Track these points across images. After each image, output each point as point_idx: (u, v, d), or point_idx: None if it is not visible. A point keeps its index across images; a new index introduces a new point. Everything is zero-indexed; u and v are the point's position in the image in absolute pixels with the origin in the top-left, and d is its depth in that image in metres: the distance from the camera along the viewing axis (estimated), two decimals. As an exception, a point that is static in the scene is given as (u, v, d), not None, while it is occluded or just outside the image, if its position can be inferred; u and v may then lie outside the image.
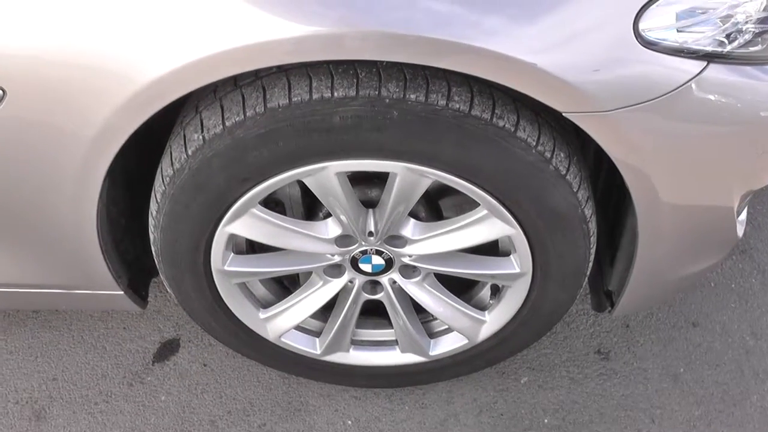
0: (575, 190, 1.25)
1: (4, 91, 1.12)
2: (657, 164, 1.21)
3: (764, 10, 1.14)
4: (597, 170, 1.42)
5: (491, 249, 1.41)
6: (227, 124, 1.16)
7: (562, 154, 1.23)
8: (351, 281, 1.44)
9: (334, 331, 1.51)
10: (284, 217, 1.33)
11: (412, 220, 1.34)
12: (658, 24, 1.10)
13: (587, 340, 1.77)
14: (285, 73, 1.14)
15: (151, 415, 1.67)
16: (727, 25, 1.13)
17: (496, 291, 1.50)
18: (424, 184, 1.24)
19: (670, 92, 1.12)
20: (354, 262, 1.39)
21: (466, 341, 1.53)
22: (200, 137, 1.18)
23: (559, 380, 1.70)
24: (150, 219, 1.33)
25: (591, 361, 1.73)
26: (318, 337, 1.55)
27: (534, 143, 1.19)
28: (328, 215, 1.34)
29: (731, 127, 1.21)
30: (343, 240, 1.35)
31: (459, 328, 1.51)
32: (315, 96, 1.12)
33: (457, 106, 1.14)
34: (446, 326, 1.54)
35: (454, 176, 1.21)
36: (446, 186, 1.24)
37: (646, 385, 1.69)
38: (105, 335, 1.82)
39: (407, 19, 1.04)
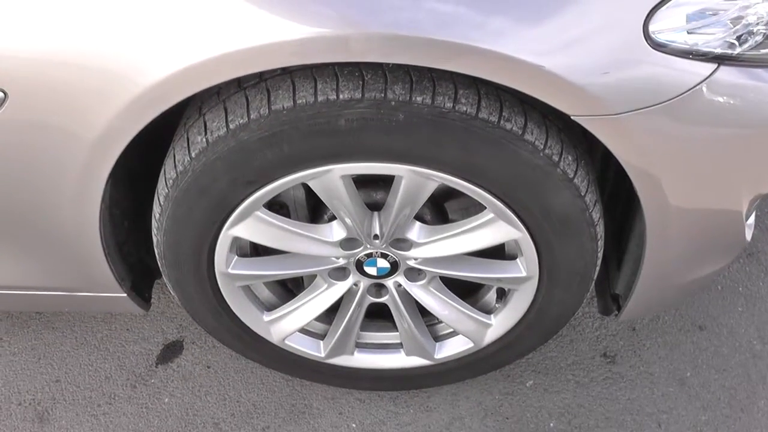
0: (583, 193, 1.24)
1: (5, 93, 1.11)
2: (666, 168, 1.19)
3: None
4: (604, 173, 1.41)
5: (497, 252, 1.40)
6: (231, 126, 1.14)
7: (569, 158, 1.21)
8: (356, 284, 1.43)
9: (338, 334, 1.50)
10: (288, 219, 1.32)
11: (418, 223, 1.33)
12: (668, 26, 1.09)
13: (593, 344, 1.76)
14: (290, 75, 1.13)
15: (154, 417, 1.67)
16: (737, 27, 1.12)
17: (502, 294, 1.48)
18: (430, 187, 1.23)
19: (680, 95, 1.10)
20: (359, 265, 1.38)
21: (472, 345, 1.52)
22: (203, 140, 1.17)
23: (565, 384, 1.69)
24: (153, 221, 1.32)
25: (597, 364, 1.72)
26: (322, 339, 1.54)
27: (541, 146, 1.17)
28: (333, 218, 1.33)
29: (741, 130, 1.20)
30: (348, 243, 1.34)
31: (464, 332, 1.50)
32: (320, 98, 1.11)
33: (464, 108, 1.12)
34: (452, 329, 1.53)
35: (461, 179, 1.20)
36: (452, 188, 1.23)
37: (653, 389, 1.68)
38: (108, 337, 1.81)
39: (413, 20, 1.03)
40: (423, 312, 1.50)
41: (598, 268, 1.39)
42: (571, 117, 1.12)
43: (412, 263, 1.38)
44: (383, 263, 1.38)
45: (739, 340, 1.76)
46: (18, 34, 1.07)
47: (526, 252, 1.32)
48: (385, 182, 1.28)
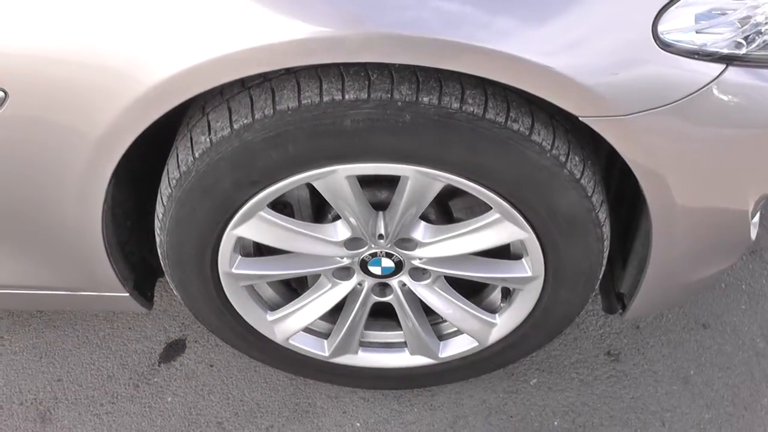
0: (589, 194, 1.23)
1: (5, 92, 1.10)
2: (673, 168, 1.19)
3: None
4: (609, 171, 1.40)
5: (502, 252, 1.39)
6: (235, 126, 1.13)
7: (576, 158, 1.21)
8: (360, 284, 1.43)
9: (342, 333, 1.49)
10: (293, 219, 1.31)
11: (423, 223, 1.32)
12: (676, 26, 1.08)
13: (597, 342, 1.76)
14: (294, 74, 1.12)
15: (157, 416, 1.66)
16: (745, 27, 1.11)
17: (507, 294, 1.48)
18: (436, 188, 1.22)
19: (689, 95, 1.10)
20: (363, 265, 1.38)
21: (477, 344, 1.51)
22: (207, 139, 1.16)
23: (569, 382, 1.69)
24: (156, 221, 1.31)
25: (601, 362, 1.72)
26: (326, 338, 1.53)
27: (549, 147, 1.17)
28: (337, 217, 1.33)
29: (749, 131, 1.19)
30: (352, 243, 1.33)
31: (469, 331, 1.49)
32: (326, 98, 1.10)
33: (471, 109, 1.12)
34: (456, 329, 1.53)
35: (467, 180, 1.19)
36: (457, 187, 1.22)
37: (656, 388, 1.68)
38: (110, 335, 1.80)
39: (418, 19, 1.02)
40: (427, 311, 1.49)
41: (603, 268, 1.39)
42: (579, 118, 1.12)
43: (416, 263, 1.37)
44: (388, 263, 1.37)
45: (742, 338, 1.76)
46: (18, 32, 1.06)
47: (532, 252, 1.31)
48: (390, 182, 1.27)
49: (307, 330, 1.52)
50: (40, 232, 1.32)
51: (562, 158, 1.18)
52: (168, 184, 1.24)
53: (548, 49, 1.04)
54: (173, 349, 1.77)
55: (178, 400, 1.68)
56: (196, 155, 1.18)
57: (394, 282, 1.42)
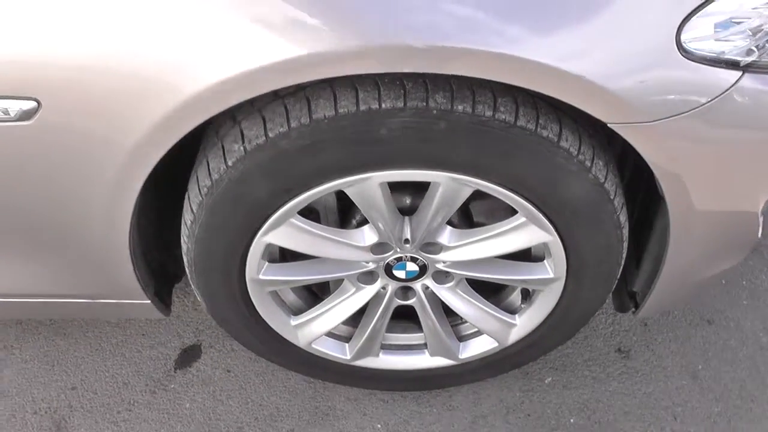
0: (612, 197, 1.27)
1: (38, 102, 1.09)
2: (694, 171, 1.23)
3: None
4: (620, 173, 1.44)
5: (523, 254, 1.42)
6: (270, 135, 1.14)
7: (600, 163, 1.24)
8: (384, 287, 1.44)
9: (365, 336, 1.51)
10: (322, 226, 1.32)
11: (449, 228, 1.34)
12: (698, 34, 1.11)
13: (607, 339, 1.79)
14: (330, 84, 1.13)
15: (176, 423, 1.66)
16: (758, 35, 1.15)
17: (527, 295, 1.51)
18: (466, 193, 1.24)
19: (711, 101, 1.13)
20: (388, 269, 1.39)
21: (496, 344, 1.54)
22: (241, 148, 1.17)
23: (583, 379, 1.72)
24: (183, 229, 1.32)
25: (612, 359, 1.76)
26: (347, 342, 1.55)
27: (575, 152, 1.19)
28: (362, 222, 1.34)
29: (763, 134, 1.23)
30: (378, 247, 1.35)
31: (489, 332, 1.52)
32: (362, 107, 1.11)
33: (504, 116, 1.14)
34: (475, 329, 1.55)
35: (497, 185, 1.22)
36: (478, 191, 1.25)
37: (667, 383, 1.72)
38: (123, 342, 1.79)
39: (452, 31, 1.03)
40: (447, 312, 1.52)
41: (621, 268, 1.42)
42: (608, 124, 1.14)
43: (440, 266, 1.40)
44: (412, 267, 1.39)
45: (745, 332, 1.81)
46: (51, 40, 1.05)
47: (555, 254, 1.34)
48: (416, 187, 1.29)
49: (329, 334, 1.53)
50: (66, 239, 1.31)
51: (587, 163, 1.21)
52: (198, 192, 1.24)
53: (579, 58, 1.07)
54: (188, 355, 1.77)
55: (197, 406, 1.68)
56: (229, 163, 1.18)
57: (417, 285, 1.44)
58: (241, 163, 1.17)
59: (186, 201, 1.28)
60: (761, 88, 1.16)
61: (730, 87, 1.13)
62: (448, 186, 1.22)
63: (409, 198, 1.34)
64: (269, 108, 1.15)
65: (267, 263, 1.35)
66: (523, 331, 1.51)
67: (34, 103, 1.09)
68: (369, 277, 1.42)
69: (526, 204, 1.25)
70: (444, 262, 1.39)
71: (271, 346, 1.53)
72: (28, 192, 1.23)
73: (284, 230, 1.27)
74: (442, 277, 1.43)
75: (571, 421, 1.66)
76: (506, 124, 1.14)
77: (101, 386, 1.72)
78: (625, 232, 1.35)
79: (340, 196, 1.27)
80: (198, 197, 1.24)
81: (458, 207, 1.27)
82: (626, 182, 1.44)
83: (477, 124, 1.13)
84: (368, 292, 1.44)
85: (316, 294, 1.55)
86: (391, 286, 1.44)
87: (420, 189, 1.29)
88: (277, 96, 1.16)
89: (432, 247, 1.36)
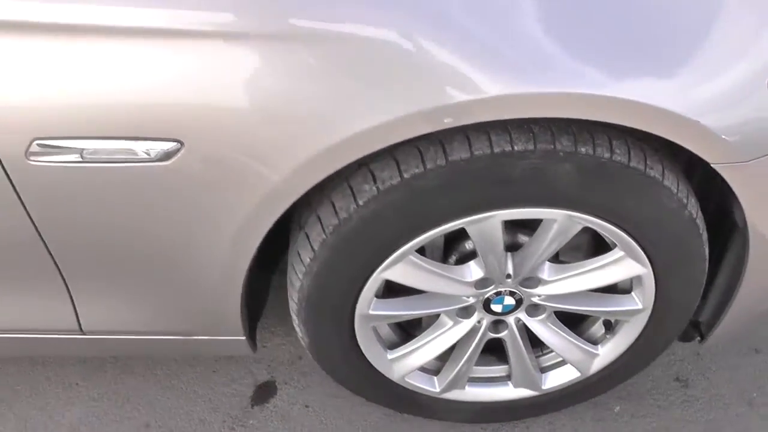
0: (701, 232, 1.36)
1: (181, 143, 1.12)
2: None
3: None
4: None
5: (609, 286, 1.49)
6: (405, 176, 1.20)
7: (693, 200, 1.33)
8: (479, 321, 1.50)
9: (456, 370, 1.55)
10: (434, 262, 1.38)
11: (548, 262, 1.41)
12: None
13: (666, 369, 1.87)
14: (462, 128, 1.19)
15: (259, 459, 1.67)
16: None
17: (608, 325, 1.58)
18: (575, 230, 1.32)
19: None
20: (486, 303, 1.45)
21: (578, 374, 1.60)
22: (373, 188, 1.22)
23: (648, 408, 1.79)
24: (297, 266, 1.35)
25: (673, 388, 1.83)
26: (435, 375, 1.59)
27: (675, 190, 1.28)
28: (464, 258, 1.40)
29: None
30: (481, 282, 1.40)
31: (573, 362, 1.58)
32: (496, 150, 1.18)
33: (619, 158, 1.22)
34: (557, 360, 1.62)
35: (607, 222, 1.29)
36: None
37: (726, 411, 1.80)
38: (195, 380, 1.80)
39: (594, 81, 1.12)
40: (531, 344, 1.58)
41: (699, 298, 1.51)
42: (711, 164, 1.24)
43: (535, 299, 1.46)
44: (509, 300, 1.45)
45: (791, 360, 1.91)
46: (198, 83, 1.08)
47: (646, 287, 1.42)
48: (519, 224, 1.36)
49: (420, 367, 1.57)
50: (181, 279, 1.34)
51: (684, 200, 1.30)
52: (322, 230, 1.28)
53: (694, 103, 1.16)
54: (264, 391, 1.78)
55: (278, 442, 1.70)
56: (360, 203, 1.23)
57: (510, 318, 1.50)
58: (372, 202, 1.22)
59: (303, 240, 1.32)
60: None
61: None
62: (563, 223, 1.29)
63: (515, 235, 1.40)
64: (401, 150, 1.21)
65: (376, 298, 1.40)
66: (605, 361, 1.58)
67: (177, 144, 1.12)
68: (466, 311, 1.48)
69: (629, 239, 1.33)
70: (539, 296, 1.45)
71: (365, 380, 1.56)
72: (152, 230, 1.26)
73: (402, 267, 1.32)
74: (534, 310, 1.49)
75: (644, 448, 1.73)
76: (621, 165, 1.22)
77: (177, 423, 1.72)
78: (707, 264, 1.43)
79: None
80: (321, 236, 1.28)
81: (565, 243, 1.34)
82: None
83: (597, 165, 1.21)
84: (465, 326, 1.49)
85: (404, 328, 1.60)
86: (486, 320, 1.50)
87: (522, 225, 1.37)
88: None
89: (530, 281, 1.42)
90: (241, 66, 1.07)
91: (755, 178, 1.26)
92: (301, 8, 1.06)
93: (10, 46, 1.07)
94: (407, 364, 1.53)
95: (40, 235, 1.27)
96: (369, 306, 1.39)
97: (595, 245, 1.45)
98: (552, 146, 1.19)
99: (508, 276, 1.40)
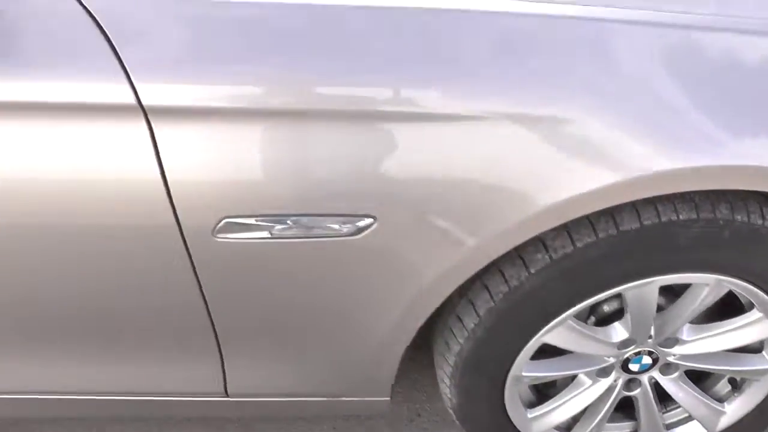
0: None
1: (374, 218, 1.16)
2: None
3: None
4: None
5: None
6: (578, 245, 1.28)
7: None
8: (615, 380, 1.56)
9: (590, 427, 1.61)
10: (585, 324, 1.45)
11: (688, 323, 1.49)
12: None
13: None
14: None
15: None
16: None
17: (734, 383, 1.65)
18: (722, 293, 1.40)
19: None
20: (624, 363, 1.52)
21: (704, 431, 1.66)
22: (545, 257, 1.29)
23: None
24: (459, 331, 1.41)
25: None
26: (567, 433, 1.65)
27: None
28: (605, 320, 1.47)
29: None
30: (624, 343, 1.47)
31: (701, 419, 1.64)
32: (664, 219, 1.26)
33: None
34: (682, 417, 1.67)
35: (752, 285, 1.38)
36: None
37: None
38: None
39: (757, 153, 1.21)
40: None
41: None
42: None
43: (670, 359, 1.53)
44: (647, 360, 1.52)
45: None
46: (395, 159, 1.13)
47: (780, 347, 1.50)
48: (665, 287, 1.43)
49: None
50: (344, 343, 1.38)
51: None
52: (490, 297, 1.34)
53: None
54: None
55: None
56: (532, 271, 1.30)
57: (644, 377, 1.57)
58: (544, 270, 1.30)
59: (466, 307, 1.38)
60: None
61: None
62: (713, 287, 1.37)
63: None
64: (573, 221, 1.28)
65: (528, 360, 1.46)
66: (732, 419, 1.64)
67: (370, 220, 1.17)
68: (605, 370, 1.54)
69: (770, 300, 1.41)
70: (675, 355, 1.52)
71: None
72: (325, 299, 1.30)
73: (560, 330, 1.39)
74: (667, 368, 1.56)
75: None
76: (770, 230, 1.32)
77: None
78: None
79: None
80: (489, 303, 1.34)
81: (709, 306, 1.42)
82: None
83: (752, 231, 1.30)
84: (603, 385, 1.56)
85: (539, 387, 1.65)
86: (622, 379, 1.56)
87: (665, 288, 1.44)
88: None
89: (668, 341, 1.49)
90: (444, 143, 1.13)
91: None
92: (502, 92, 1.14)
93: (211, 130, 1.12)
94: (546, 422, 1.59)
95: (206, 303, 1.30)
96: (522, 368, 1.45)
97: (721, 305, 1.53)
98: (713, 215, 1.28)
99: (650, 336, 1.47)
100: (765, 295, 1.40)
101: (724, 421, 1.64)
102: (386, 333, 1.35)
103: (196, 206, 1.16)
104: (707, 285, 1.37)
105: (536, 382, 1.55)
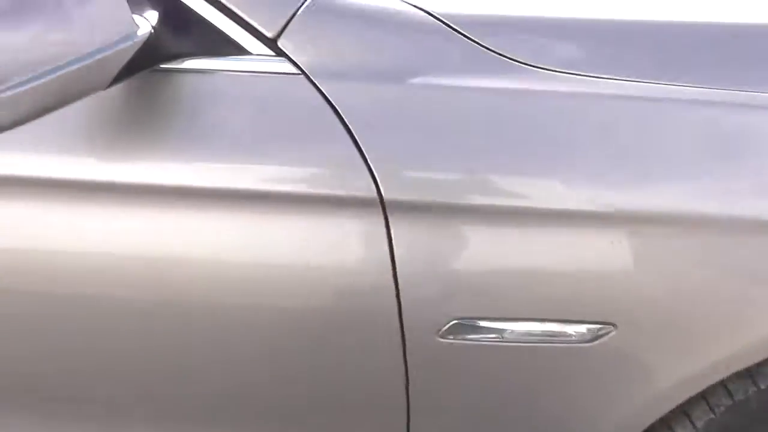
0: None
1: (614, 325, 1.11)
2: None
3: None
4: None
5: None
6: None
7: None
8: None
9: None
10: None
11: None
12: None
13: None
14: None
15: None
16: None
17: None
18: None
19: None
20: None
21: None
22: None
23: None
24: None
25: None
26: None
27: None
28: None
29: None
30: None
31: None
32: None
33: None
34: None
35: None
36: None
37: None
38: None
39: None
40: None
41: None
42: None
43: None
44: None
45: None
46: (636, 265, 1.09)
47: None
48: None
49: None
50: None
51: None
52: (709, 410, 1.25)
53: None
54: None
55: None
56: (762, 387, 1.21)
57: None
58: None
59: (679, 417, 1.29)
60: None
61: None
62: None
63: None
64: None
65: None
66: None
67: (609, 327, 1.12)
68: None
69: None
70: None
71: None
72: (543, 404, 1.23)
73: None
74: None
75: None
76: None
77: None
78: None
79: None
80: (708, 414, 1.25)
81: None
82: None
83: None
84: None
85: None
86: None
87: None
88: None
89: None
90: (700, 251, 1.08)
91: None
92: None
93: (446, 227, 1.10)
94: None
95: (408, 402, 1.24)
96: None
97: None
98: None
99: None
100: None
101: None
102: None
103: (425, 305, 1.13)
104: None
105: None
